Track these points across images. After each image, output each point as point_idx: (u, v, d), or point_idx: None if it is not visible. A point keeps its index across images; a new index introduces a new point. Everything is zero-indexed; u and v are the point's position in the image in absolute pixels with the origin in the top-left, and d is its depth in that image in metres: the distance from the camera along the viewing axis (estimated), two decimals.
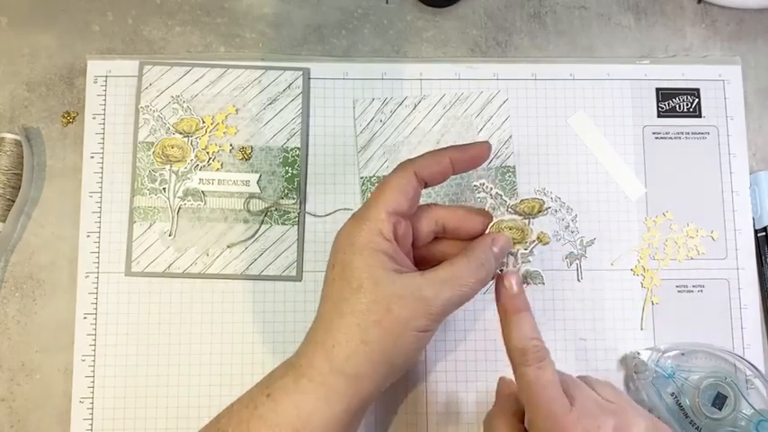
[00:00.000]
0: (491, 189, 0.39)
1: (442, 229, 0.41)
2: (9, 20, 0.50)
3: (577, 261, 0.47)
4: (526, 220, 0.40)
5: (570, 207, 0.48)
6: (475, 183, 0.39)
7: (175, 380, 0.46)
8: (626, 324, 0.47)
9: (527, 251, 0.41)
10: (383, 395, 0.46)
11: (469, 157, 0.40)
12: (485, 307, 0.47)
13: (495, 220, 0.40)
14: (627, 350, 0.47)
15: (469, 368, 0.46)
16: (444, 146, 0.48)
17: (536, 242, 0.41)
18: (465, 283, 0.37)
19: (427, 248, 0.42)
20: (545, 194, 0.46)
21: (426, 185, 0.40)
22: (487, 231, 0.40)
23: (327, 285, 0.38)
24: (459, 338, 0.47)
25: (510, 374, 0.47)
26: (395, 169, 0.39)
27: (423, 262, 0.41)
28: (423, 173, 0.39)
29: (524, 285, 0.43)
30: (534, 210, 0.40)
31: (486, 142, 0.40)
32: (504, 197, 0.40)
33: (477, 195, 0.40)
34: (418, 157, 0.40)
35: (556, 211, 0.48)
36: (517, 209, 0.40)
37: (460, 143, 0.48)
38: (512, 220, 0.40)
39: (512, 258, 0.41)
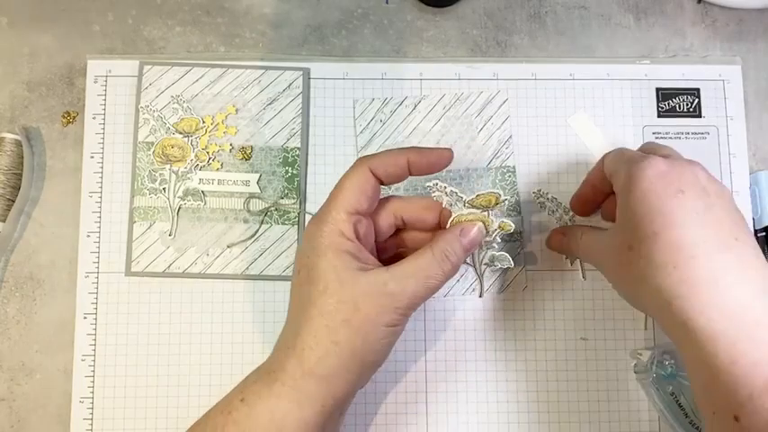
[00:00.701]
0: (445, 188, 0.40)
1: (402, 222, 0.41)
2: (9, 20, 0.50)
3: (579, 259, 0.47)
4: (485, 213, 0.41)
5: (567, 207, 0.48)
6: (427, 183, 0.40)
7: (175, 380, 0.46)
8: (627, 324, 0.47)
9: (491, 239, 0.42)
10: (383, 396, 0.46)
11: (427, 162, 0.39)
12: (484, 307, 0.47)
13: (454, 215, 0.40)
14: (628, 350, 0.47)
15: (469, 368, 0.46)
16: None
17: (498, 230, 0.42)
18: (430, 276, 0.37)
19: (391, 242, 0.42)
20: (541, 195, 0.47)
21: (382, 184, 0.39)
22: (448, 226, 0.41)
23: (294, 290, 0.38)
24: (458, 338, 0.47)
25: (511, 379, 0.47)
26: (351, 167, 0.39)
27: (387, 257, 0.41)
28: (378, 171, 0.39)
29: (490, 268, 0.45)
30: (491, 203, 0.40)
31: (448, 150, 0.40)
32: (459, 194, 0.40)
33: (433, 195, 0.40)
34: (376, 154, 0.39)
35: (553, 211, 0.48)
36: (474, 203, 0.40)
37: (460, 143, 0.48)
38: (471, 213, 0.40)
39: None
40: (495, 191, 0.40)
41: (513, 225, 0.41)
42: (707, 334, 0.32)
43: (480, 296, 0.47)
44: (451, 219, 0.40)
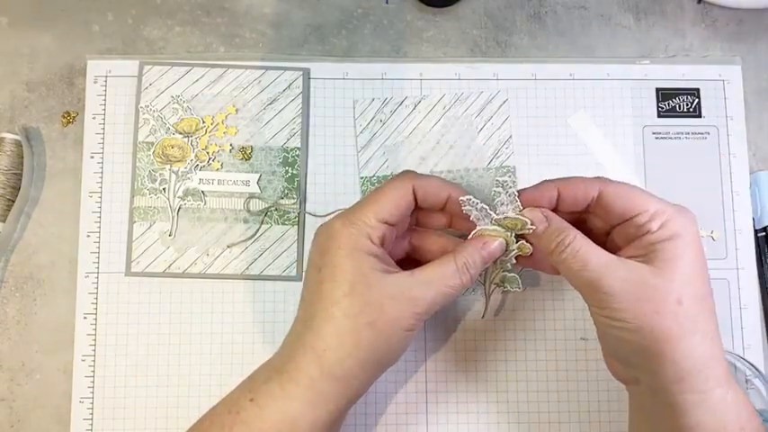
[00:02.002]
0: (477, 203, 0.39)
1: (415, 200, 0.40)
2: (9, 20, 0.50)
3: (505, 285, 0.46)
4: (508, 233, 0.40)
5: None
6: (461, 198, 0.39)
7: (175, 380, 0.46)
8: None
9: (507, 258, 0.42)
10: (383, 396, 0.46)
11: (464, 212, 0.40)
12: (484, 307, 0.47)
13: (478, 228, 0.40)
14: None
15: (469, 368, 0.46)
16: (447, 150, 0.48)
17: (516, 251, 0.41)
18: (450, 285, 0.38)
19: (401, 245, 0.42)
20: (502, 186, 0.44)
21: (417, 206, 0.40)
22: (470, 238, 0.40)
23: (312, 287, 0.38)
24: (459, 338, 0.47)
25: (511, 379, 0.47)
26: (396, 176, 0.40)
27: (396, 261, 0.41)
28: (419, 192, 0.39)
29: (501, 290, 0.45)
30: (517, 227, 0.39)
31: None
32: (488, 210, 0.39)
33: (464, 208, 0.40)
34: (424, 175, 0.40)
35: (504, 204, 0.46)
36: (501, 223, 0.40)
37: (460, 143, 0.48)
38: (495, 230, 0.40)
39: (491, 264, 0.41)
40: (525, 218, 0.39)
41: (531, 248, 0.40)
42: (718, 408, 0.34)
43: (483, 317, 0.46)
44: (475, 231, 0.40)
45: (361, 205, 0.38)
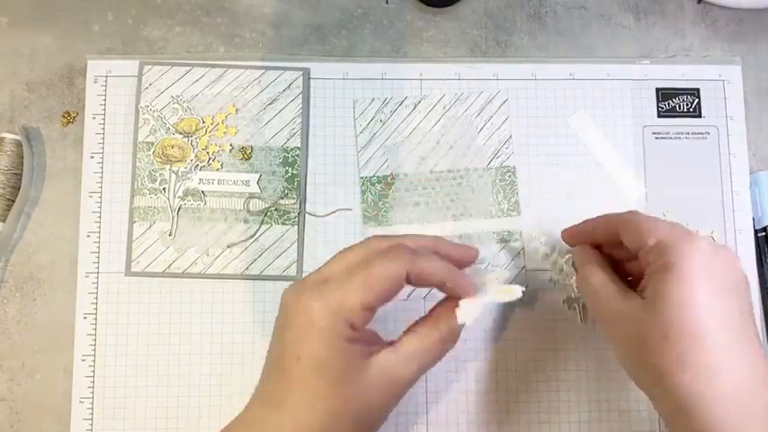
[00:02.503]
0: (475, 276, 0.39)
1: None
2: (9, 20, 0.50)
3: (576, 305, 0.46)
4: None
5: (562, 249, 0.46)
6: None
7: (175, 380, 0.46)
8: None
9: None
10: None
11: (458, 283, 0.38)
12: (484, 307, 0.47)
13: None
14: None
15: (469, 368, 0.46)
16: (447, 150, 0.48)
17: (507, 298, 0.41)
18: (435, 354, 0.37)
19: None
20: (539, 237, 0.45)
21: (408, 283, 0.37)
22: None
23: (293, 380, 0.35)
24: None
25: (512, 378, 0.47)
26: (390, 253, 0.36)
27: None
28: (413, 276, 0.36)
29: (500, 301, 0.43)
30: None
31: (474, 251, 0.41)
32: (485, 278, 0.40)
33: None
34: (421, 255, 0.37)
35: (547, 255, 0.47)
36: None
37: (460, 143, 0.48)
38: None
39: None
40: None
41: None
42: None
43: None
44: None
45: (345, 290, 0.35)
